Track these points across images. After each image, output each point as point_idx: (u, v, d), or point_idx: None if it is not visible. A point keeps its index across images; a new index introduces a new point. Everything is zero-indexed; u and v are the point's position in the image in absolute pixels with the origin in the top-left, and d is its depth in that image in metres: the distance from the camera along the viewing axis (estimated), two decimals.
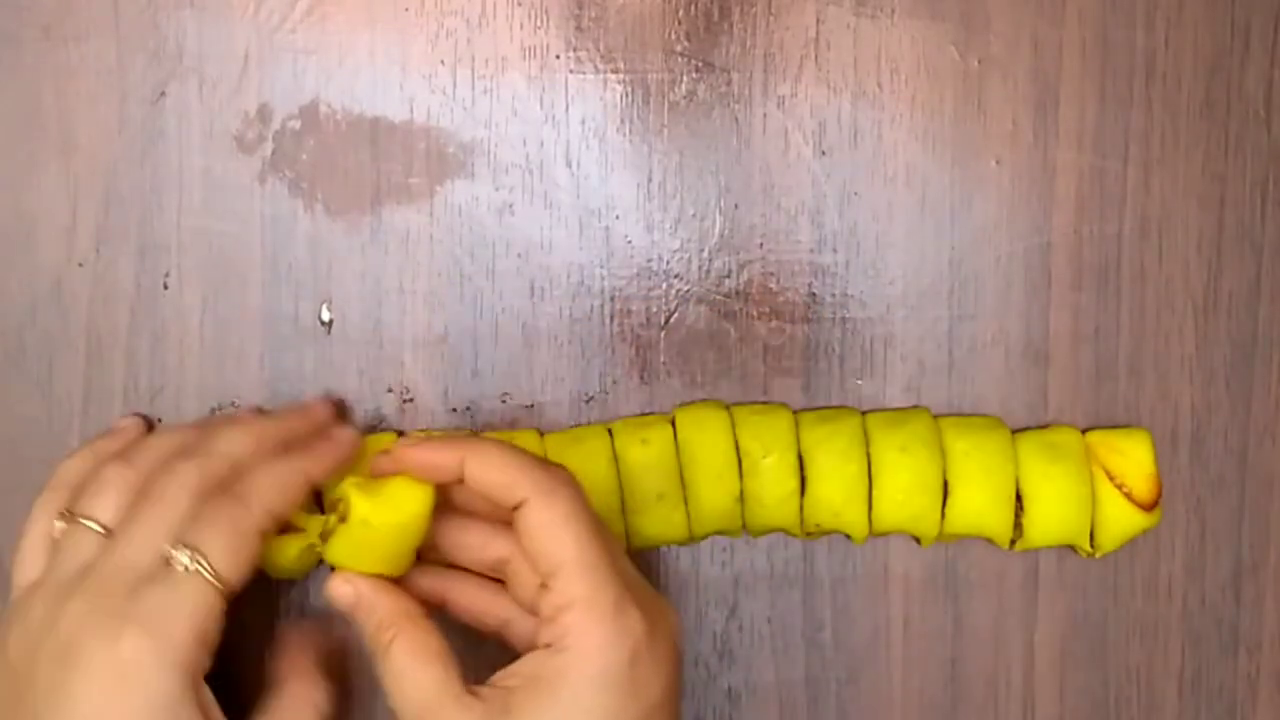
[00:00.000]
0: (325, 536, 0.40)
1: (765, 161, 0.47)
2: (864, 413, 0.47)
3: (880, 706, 0.48)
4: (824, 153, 0.47)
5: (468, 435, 0.42)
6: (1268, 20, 0.48)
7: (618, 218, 0.47)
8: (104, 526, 0.40)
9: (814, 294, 0.48)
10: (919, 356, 0.48)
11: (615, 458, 0.45)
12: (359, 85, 0.46)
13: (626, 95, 0.47)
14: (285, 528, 0.42)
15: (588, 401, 0.47)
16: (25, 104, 0.46)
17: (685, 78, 0.47)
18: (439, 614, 0.42)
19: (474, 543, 0.42)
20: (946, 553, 0.48)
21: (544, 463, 0.39)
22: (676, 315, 0.47)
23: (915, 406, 0.48)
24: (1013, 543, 0.47)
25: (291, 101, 0.46)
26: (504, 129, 0.47)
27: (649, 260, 0.47)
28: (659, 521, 0.45)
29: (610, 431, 0.46)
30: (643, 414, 0.47)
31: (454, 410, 0.47)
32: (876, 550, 0.48)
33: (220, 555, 0.38)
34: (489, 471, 0.39)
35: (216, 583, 0.38)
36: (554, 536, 0.38)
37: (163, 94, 0.46)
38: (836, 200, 0.47)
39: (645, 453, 0.45)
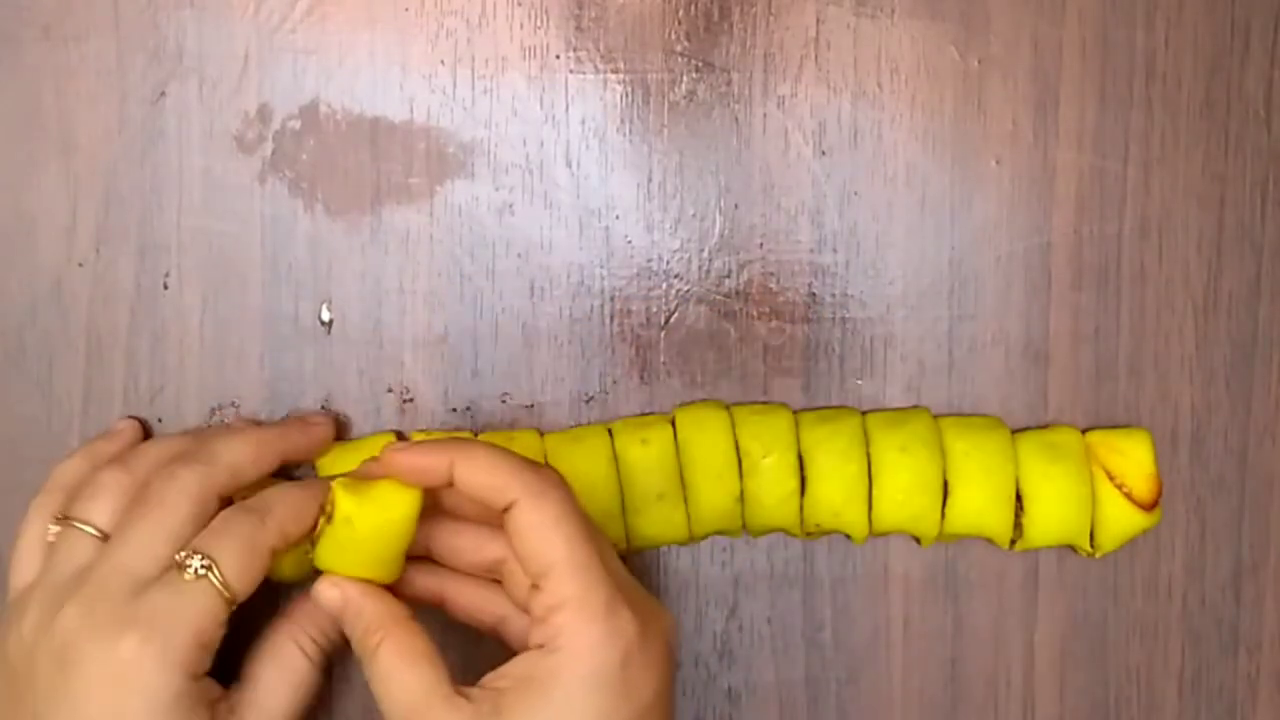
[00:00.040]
0: (314, 540, 0.40)
1: (765, 161, 0.47)
2: (864, 413, 0.47)
3: (880, 706, 0.48)
4: (824, 153, 0.47)
5: (458, 439, 0.42)
6: (1268, 20, 0.48)
7: (618, 218, 0.47)
8: (99, 530, 0.40)
9: (814, 294, 0.48)
10: (919, 356, 0.48)
11: (615, 458, 0.45)
12: (359, 85, 0.46)
13: (626, 95, 0.47)
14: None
15: (588, 401, 0.47)
16: (25, 104, 0.46)
17: (685, 78, 0.47)
18: (435, 613, 0.42)
19: (467, 546, 0.42)
20: (946, 553, 0.48)
21: (533, 464, 0.39)
22: (676, 315, 0.47)
23: (915, 406, 0.48)
24: (1013, 543, 0.47)
25: (291, 101, 0.46)
26: (504, 129, 0.47)
27: (649, 260, 0.47)
28: (659, 521, 0.45)
29: (610, 431, 0.46)
30: (643, 414, 0.47)
31: (454, 410, 0.47)
32: (876, 550, 0.48)
33: (232, 566, 0.38)
34: (477, 474, 0.39)
35: (225, 591, 0.38)
36: (544, 538, 0.38)
37: (163, 94, 0.46)
38: (836, 200, 0.47)
39: (645, 453, 0.45)
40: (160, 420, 0.47)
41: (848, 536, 0.47)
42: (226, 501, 0.41)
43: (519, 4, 0.46)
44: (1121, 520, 0.46)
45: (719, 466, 0.45)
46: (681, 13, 0.47)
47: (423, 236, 0.47)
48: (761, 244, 0.47)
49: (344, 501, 0.39)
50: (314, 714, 0.46)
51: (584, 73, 0.47)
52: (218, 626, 0.38)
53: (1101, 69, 0.48)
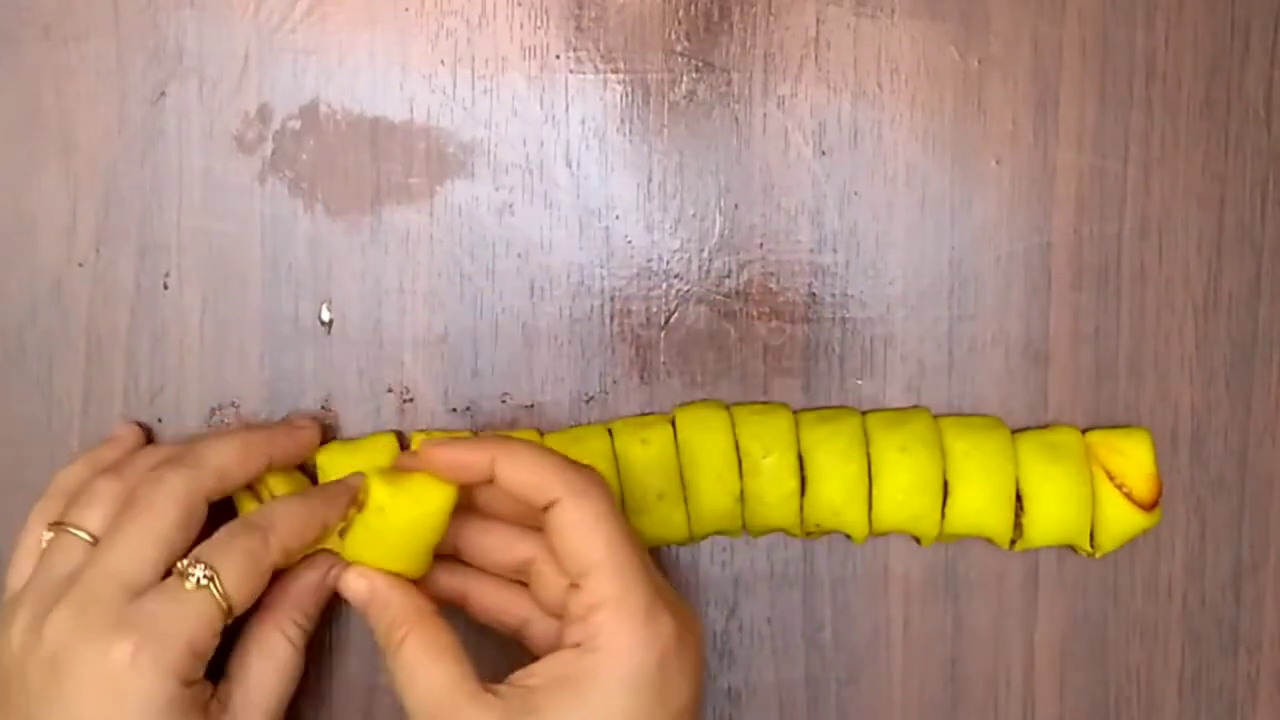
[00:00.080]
0: (344, 531, 0.40)
1: (765, 161, 0.47)
2: (864, 413, 0.47)
3: (880, 706, 0.48)
4: (824, 153, 0.47)
5: (501, 436, 0.42)
6: (1268, 20, 0.48)
7: (618, 218, 0.47)
8: (92, 536, 0.40)
9: (814, 294, 0.48)
10: (919, 356, 0.48)
11: (615, 458, 0.45)
12: (359, 85, 0.46)
13: (626, 95, 0.47)
14: None
15: (588, 401, 0.47)
16: (25, 104, 0.46)
17: (685, 78, 0.47)
18: (457, 613, 0.42)
19: (497, 545, 0.42)
20: (946, 553, 0.48)
21: (575, 463, 0.39)
22: (676, 315, 0.47)
23: (915, 406, 0.48)
24: (1013, 543, 0.47)
25: (291, 101, 0.46)
26: (504, 129, 0.47)
27: (649, 260, 0.47)
28: (659, 521, 0.45)
29: (610, 431, 0.46)
30: (643, 414, 0.47)
31: (454, 410, 0.47)
32: (876, 550, 0.48)
33: (233, 580, 0.38)
34: (520, 471, 0.39)
35: (224, 602, 0.38)
36: (586, 536, 0.38)
37: (163, 94, 0.46)
38: (836, 200, 0.47)
39: (645, 453, 0.45)
40: (160, 420, 0.47)
41: (848, 536, 0.47)
42: (216, 506, 0.41)
43: (519, 4, 0.46)
44: (1121, 520, 0.46)
45: (719, 466, 0.45)
46: (681, 13, 0.47)
47: (423, 236, 0.47)
48: (761, 244, 0.47)
49: (379, 491, 0.39)
50: (314, 714, 0.46)
51: (584, 73, 0.47)
52: (212, 637, 0.38)
53: (1101, 69, 0.48)
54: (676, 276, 0.47)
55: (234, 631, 0.41)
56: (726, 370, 0.48)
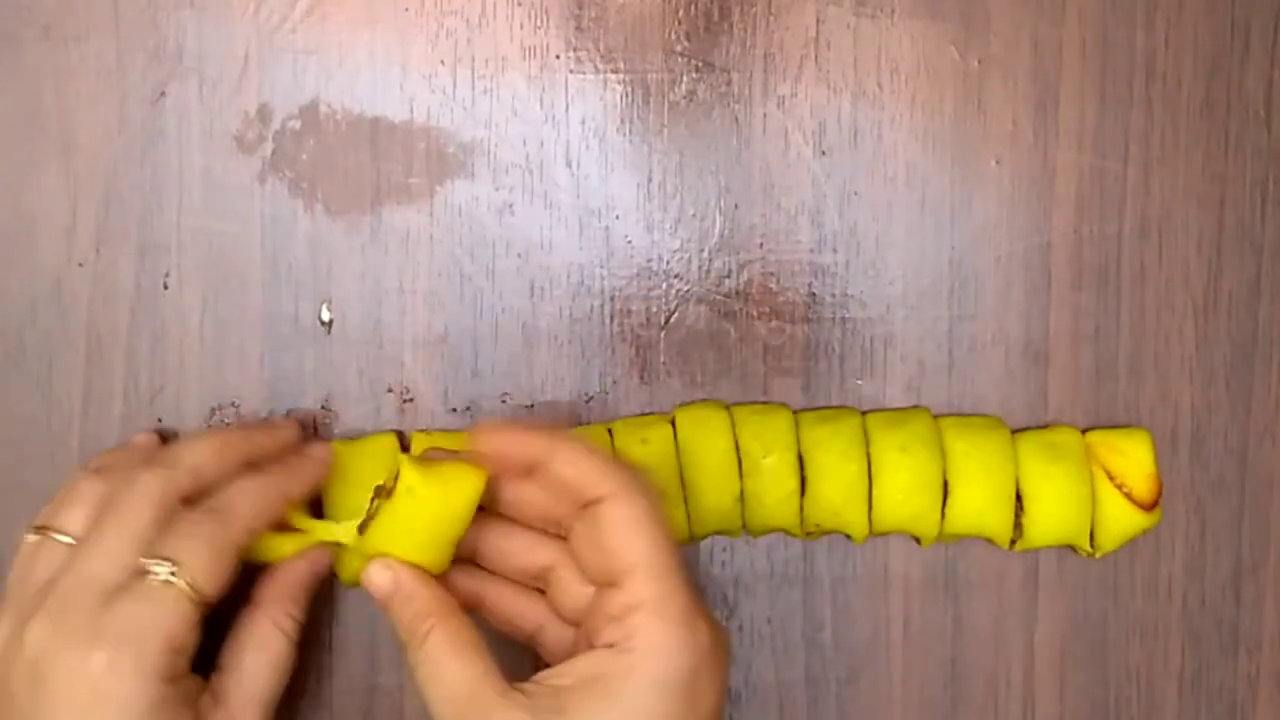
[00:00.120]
0: (364, 526, 0.40)
1: (765, 161, 0.47)
2: (864, 413, 0.47)
3: (880, 706, 0.48)
4: (824, 153, 0.47)
5: (554, 428, 0.42)
6: (1268, 20, 0.48)
7: (618, 218, 0.47)
8: (74, 538, 0.40)
9: (814, 294, 0.48)
10: (919, 356, 0.48)
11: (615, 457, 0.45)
12: (359, 85, 0.46)
13: (626, 95, 0.47)
14: (282, 526, 0.42)
15: (588, 401, 0.47)
16: (25, 104, 0.46)
17: (685, 78, 0.47)
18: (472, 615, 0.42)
19: (518, 549, 0.41)
20: (946, 553, 0.48)
21: (626, 462, 0.39)
22: (676, 315, 0.47)
23: (915, 406, 0.48)
24: (1013, 543, 0.47)
25: (291, 101, 0.46)
26: (504, 129, 0.47)
27: (649, 260, 0.47)
28: None
29: (610, 431, 0.46)
30: (643, 414, 0.47)
31: (454, 410, 0.47)
32: (876, 550, 0.48)
33: (198, 568, 0.38)
34: (573, 464, 0.38)
35: (193, 594, 0.38)
36: (631, 535, 0.37)
37: (163, 94, 0.46)
38: (836, 200, 0.47)
39: (645, 453, 0.45)
40: (160, 420, 0.47)
41: (848, 536, 0.47)
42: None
43: (519, 4, 0.46)
44: (1121, 520, 0.46)
45: (719, 466, 0.45)
46: (681, 13, 0.47)
47: (423, 236, 0.47)
48: (761, 244, 0.47)
49: (409, 474, 0.39)
50: (314, 714, 0.46)
51: (584, 73, 0.47)
52: (189, 630, 0.38)
53: (1101, 69, 0.48)
54: (676, 276, 0.47)
55: (226, 625, 0.41)
56: (726, 370, 0.48)
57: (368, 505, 0.41)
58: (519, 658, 0.42)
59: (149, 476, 0.39)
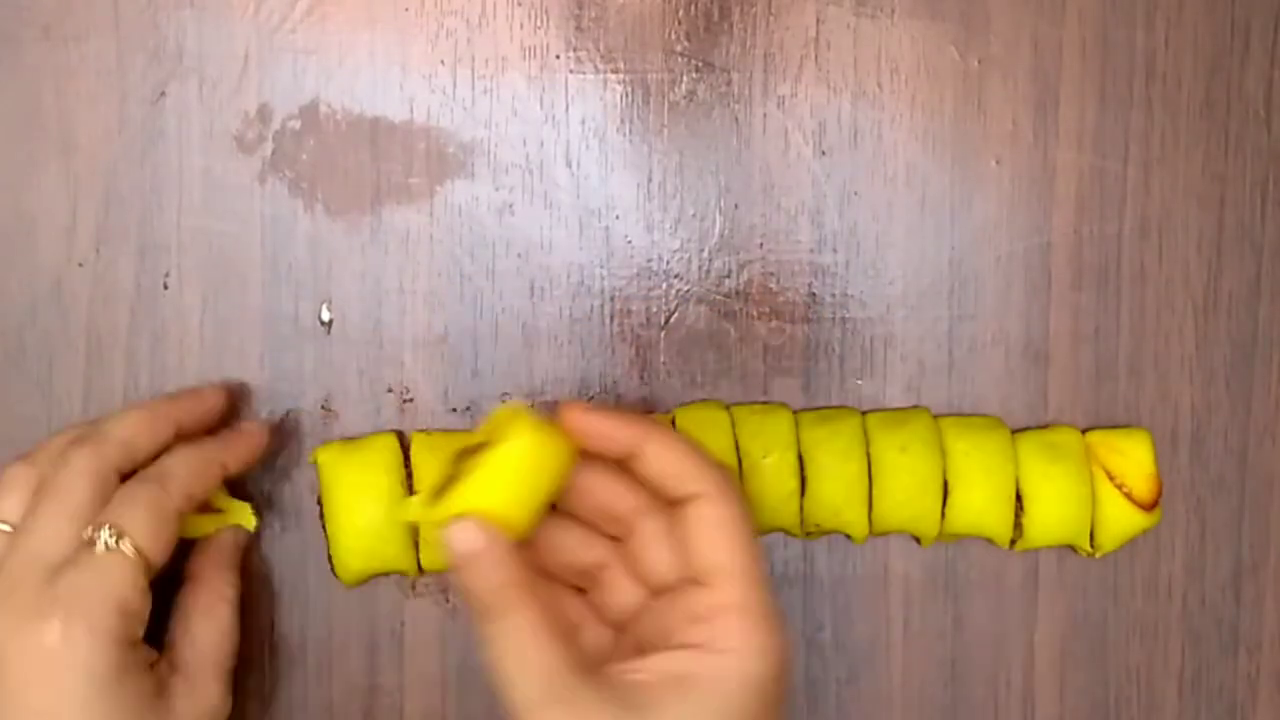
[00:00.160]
0: (448, 483, 0.38)
1: (765, 161, 0.47)
2: (864, 413, 0.47)
3: (880, 706, 0.48)
4: (824, 153, 0.47)
5: (647, 417, 0.41)
6: (1268, 20, 0.48)
7: (618, 218, 0.47)
8: (12, 526, 0.40)
9: (814, 294, 0.48)
10: (919, 356, 0.48)
11: None
12: (359, 85, 0.46)
13: (626, 95, 0.47)
14: (204, 507, 0.44)
15: (588, 401, 0.47)
16: (25, 104, 0.46)
17: (685, 78, 0.47)
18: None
19: (574, 544, 0.40)
20: (946, 553, 0.48)
21: (716, 460, 0.39)
22: (676, 315, 0.47)
23: (915, 406, 0.48)
24: (1013, 543, 0.47)
25: (291, 101, 0.46)
26: (504, 129, 0.47)
27: (649, 260, 0.47)
28: None
29: None
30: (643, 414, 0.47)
31: (454, 410, 0.47)
32: (876, 550, 0.48)
33: (141, 533, 0.39)
34: (670, 457, 0.38)
35: (138, 558, 0.39)
36: (724, 536, 0.37)
37: (163, 94, 0.46)
38: (836, 200, 0.47)
39: None
40: None
41: (848, 536, 0.47)
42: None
43: (519, 4, 0.46)
44: (1121, 520, 0.46)
45: None
46: (681, 13, 0.47)
47: (423, 236, 0.47)
48: (761, 244, 0.47)
49: (523, 419, 0.37)
50: (314, 714, 0.46)
51: (584, 73, 0.47)
52: (139, 595, 0.39)
53: (1101, 69, 0.48)
54: (676, 276, 0.47)
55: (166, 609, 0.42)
56: (726, 370, 0.48)
57: (447, 471, 0.39)
58: None
59: (80, 454, 0.40)
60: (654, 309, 0.47)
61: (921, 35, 0.47)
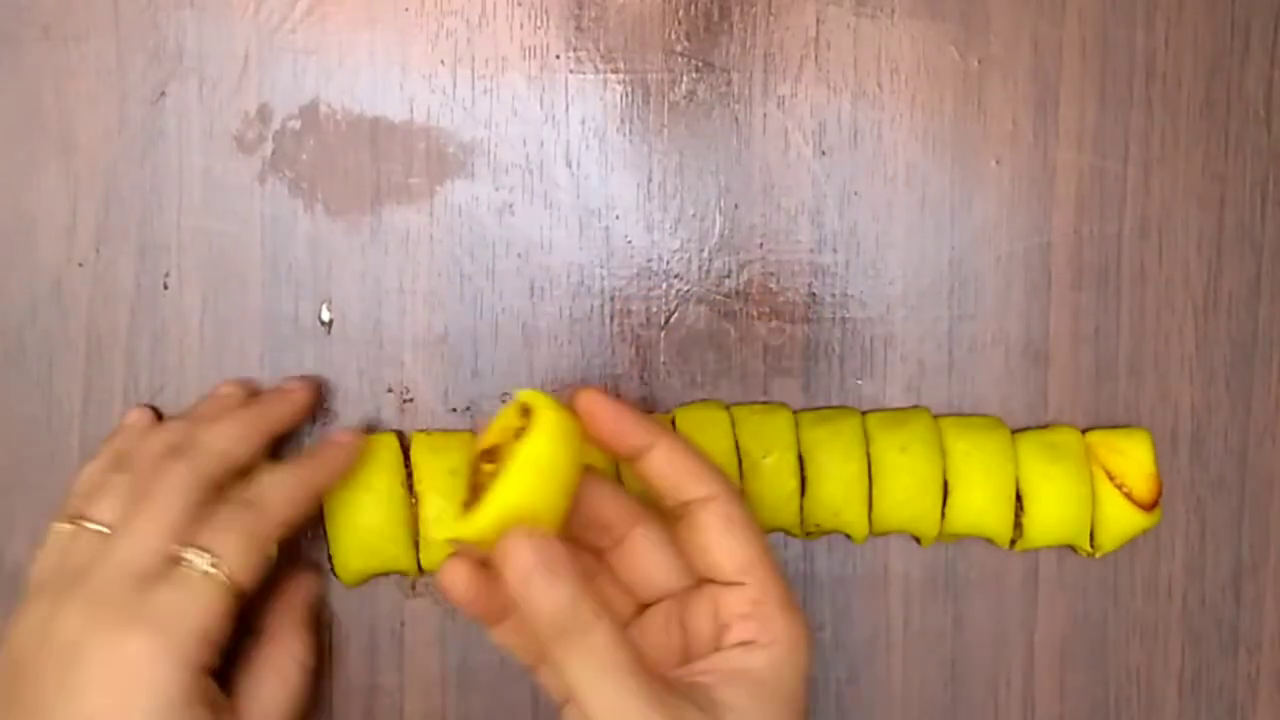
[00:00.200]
0: (478, 488, 0.36)
1: (765, 161, 0.47)
2: (864, 413, 0.47)
3: (880, 706, 0.48)
4: (824, 153, 0.47)
5: (656, 419, 0.41)
6: (1268, 20, 0.48)
7: (618, 218, 0.47)
8: (107, 527, 0.40)
9: (814, 294, 0.48)
10: (919, 356, 0.48)
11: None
12: (359, 85, 0.46)
13: (626, 95, 0.47)
14: None
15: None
16: (25, 104, 0.46)
17: (685, 78, 0.47)
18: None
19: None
20: (946, 553, 0.48)
21: (716, 465, 0.39)
22: (676, 315, 0.47)
23: (915, 406, 0.48)
24: (1013, 543, 0.47)
25: (291, 101, 0.46)
26: (504, 129, 0.47)
27: (649, 260, 0.47)
28: None
29: None
30: None
31: (454, 410, 0.47)
32: (876, 550, 0.48)
33: (235, 559, 0.39)
34: (679, 460, 0.38)
35: (230, 584, 0.39)
36: (749, 532, 0.38)
37: (163, 94, 0.46)
38: (836, 200, 0.47)
39: None
40: (160, 420, 0.46)
41: (848, 536, 0.47)
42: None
43: (519, 4, 0.46)
44: (1121, 520, 0.46)
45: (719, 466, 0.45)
46: (681, 13, 0.47)
47: (423, 236, 0.47)
48: (761, 244, 0.47)
49: (545, 404, 0.35)
50: (314, 714, 0.46)
51: (584, 73, 0.47)
52: (223, 621, 0.39)
53: (1101, 69, 0.48)
54: (676, 276, 0.47)
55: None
56: (726, 370, 0.48)
57: (469, 477, 0.37)
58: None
59: (180, 466, 0.40)
60: (654, 309, 0.47)
61: (921, 35, 0.47)
